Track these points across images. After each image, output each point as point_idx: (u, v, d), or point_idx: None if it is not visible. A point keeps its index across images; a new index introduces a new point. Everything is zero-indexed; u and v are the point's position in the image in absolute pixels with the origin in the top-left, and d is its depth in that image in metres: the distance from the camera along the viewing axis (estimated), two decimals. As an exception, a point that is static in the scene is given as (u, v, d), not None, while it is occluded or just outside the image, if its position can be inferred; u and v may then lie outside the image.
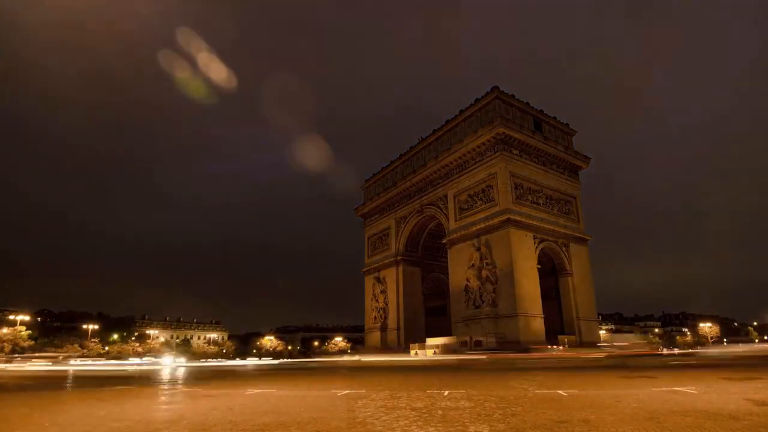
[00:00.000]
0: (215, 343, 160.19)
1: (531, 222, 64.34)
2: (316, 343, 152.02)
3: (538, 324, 60.52)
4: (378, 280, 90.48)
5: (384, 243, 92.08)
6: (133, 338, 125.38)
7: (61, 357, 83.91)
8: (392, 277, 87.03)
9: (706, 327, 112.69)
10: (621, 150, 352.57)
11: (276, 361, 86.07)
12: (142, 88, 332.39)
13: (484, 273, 63.21)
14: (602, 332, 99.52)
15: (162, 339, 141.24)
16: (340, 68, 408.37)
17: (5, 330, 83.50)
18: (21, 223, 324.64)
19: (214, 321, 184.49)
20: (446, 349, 61.09)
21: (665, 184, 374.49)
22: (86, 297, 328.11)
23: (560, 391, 13.31)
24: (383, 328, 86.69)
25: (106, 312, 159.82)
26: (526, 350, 52.49)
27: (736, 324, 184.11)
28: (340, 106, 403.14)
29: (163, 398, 15.07)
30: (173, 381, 25.64)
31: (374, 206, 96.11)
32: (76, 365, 65.84)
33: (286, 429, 8.20)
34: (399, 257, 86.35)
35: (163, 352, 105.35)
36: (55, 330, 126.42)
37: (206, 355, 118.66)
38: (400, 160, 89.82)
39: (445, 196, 74.90)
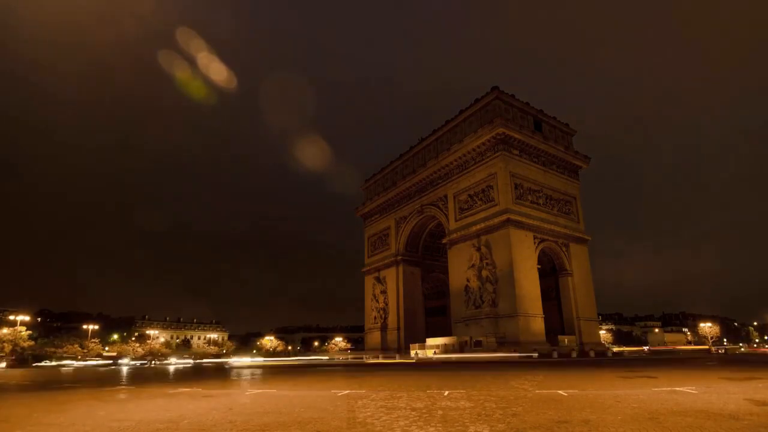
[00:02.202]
0: (215, 343, 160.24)
1: (531, 222, 64.30)
2: (316, 343, 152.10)
3: (538, 324, 60.48)
4: (378, 280, 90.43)
5: (384, 243, 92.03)
6: (133, 338, 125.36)
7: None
8: (392, 277, 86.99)
9: (707, 327, 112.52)
10: (623, 148, 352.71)
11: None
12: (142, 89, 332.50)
13: (484, 273, 63.16)
14: (602, 332, 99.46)
15: (162, 339, 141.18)
16: (340, 68, 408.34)
17: (5, 330, 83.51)
18: (21, 223, 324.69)
19: (214, 321, 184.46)
20: (446, 349, 61.04)
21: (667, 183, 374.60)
22: (86, 297, 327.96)
23: (561, 391, 13.30)
24: (383, 328, 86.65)
25: (106, 312, 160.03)
26: None
27: (736, 324, 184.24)
28: (340, 106, 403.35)
29: (163, 398, 15.06)
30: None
31: (374, 206, 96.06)
32: None
33: (286, 429, 8.19)
34: (399, 257, 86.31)
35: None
36: (55, 330, 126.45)
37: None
38: (400, 160, 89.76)
39: (445, 196, 74.86)
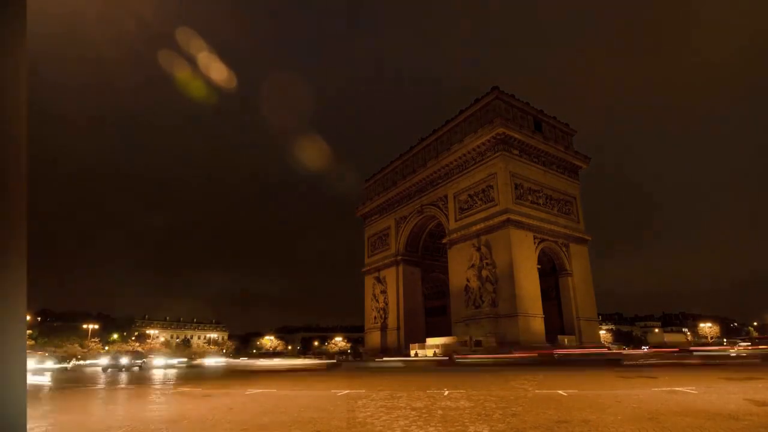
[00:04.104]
0: (215, 343, 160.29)
1: (531, 222, 64.30)
2: (316, 343, 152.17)
3: (539, 324, 60.49)
4: (378, 280, 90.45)
5: (384, 243, 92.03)
6: (133, 338, 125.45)
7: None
8: (392, 277, 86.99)
9: (706, 327, 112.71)
10: (622, 148, 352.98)
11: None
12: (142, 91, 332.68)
13: (484, 273, 63.18)
14: (602, 332, 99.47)
15: (162, 339, 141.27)
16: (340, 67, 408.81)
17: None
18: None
19: (214, 321, 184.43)
20: (446, 349, 61.05)
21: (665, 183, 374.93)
22: (86, 297, 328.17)
23: (560, 391, 13.30)
24: (383, 328, 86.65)
25: (106, 312, 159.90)
26: None
27: (735, 324, 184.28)
28: (340, 106, 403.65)
29: (163, 398, 15.07)
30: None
31: (374, 206, 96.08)
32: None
33: (286, 429, 8.20)
34: (399, 257, 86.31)
35: None
36: (55, 330, 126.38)
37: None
38: (400, 160, 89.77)
39: (445, 196, 74.86)
